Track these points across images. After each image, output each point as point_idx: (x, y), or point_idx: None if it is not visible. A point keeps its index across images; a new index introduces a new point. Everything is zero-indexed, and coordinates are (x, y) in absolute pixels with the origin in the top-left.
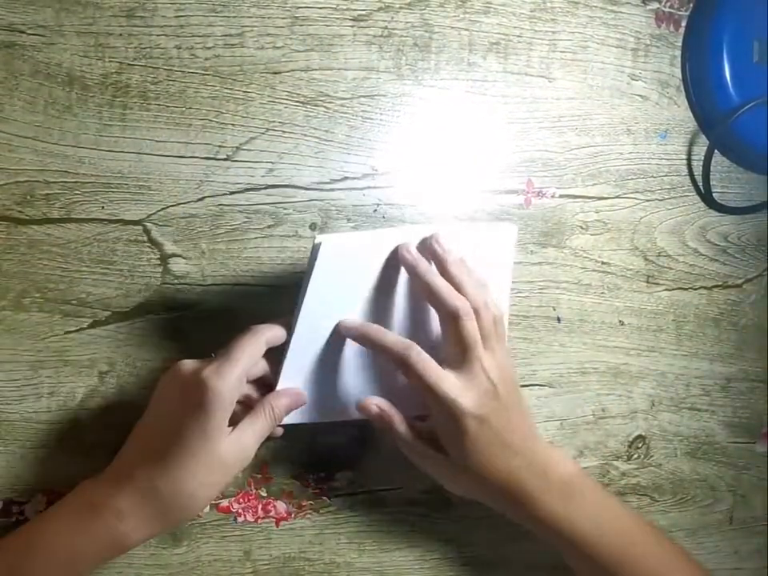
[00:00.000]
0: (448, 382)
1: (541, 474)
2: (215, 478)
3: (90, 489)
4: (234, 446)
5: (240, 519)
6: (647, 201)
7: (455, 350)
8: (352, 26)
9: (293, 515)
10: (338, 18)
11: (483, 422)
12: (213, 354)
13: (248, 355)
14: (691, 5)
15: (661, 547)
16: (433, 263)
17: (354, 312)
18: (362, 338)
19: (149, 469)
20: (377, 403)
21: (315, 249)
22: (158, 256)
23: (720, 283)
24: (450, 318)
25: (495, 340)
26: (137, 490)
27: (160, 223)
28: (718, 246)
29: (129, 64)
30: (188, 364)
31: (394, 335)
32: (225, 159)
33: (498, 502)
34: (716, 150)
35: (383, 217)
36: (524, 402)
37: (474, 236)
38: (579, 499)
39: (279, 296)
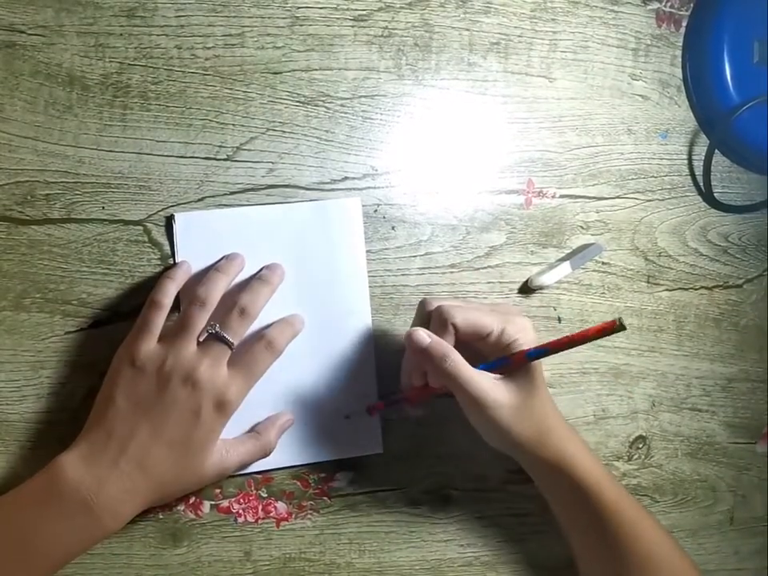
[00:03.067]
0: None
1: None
2: (190, 487)
3: (64, 466)
4: (216, 466)
5: (240, 520)
6: (648, 201)
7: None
8: (352, 26)
9: (293, 516)
10: (338, 18)
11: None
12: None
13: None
14: (692, 5)
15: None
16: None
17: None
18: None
19: (132, 462)
20: (429, 334)
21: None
22: (159, 256)
23: (721, 283)
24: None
25: None
26: (117, 475)
27: (160, 223)
28: (719, 246)
29: (129, 64)
30: (189, 353)
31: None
32: (225, 159)
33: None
34: (716, 150)
35: (383, 217)
36: None
37: (319, 212)
38: (580, 443)
39: None
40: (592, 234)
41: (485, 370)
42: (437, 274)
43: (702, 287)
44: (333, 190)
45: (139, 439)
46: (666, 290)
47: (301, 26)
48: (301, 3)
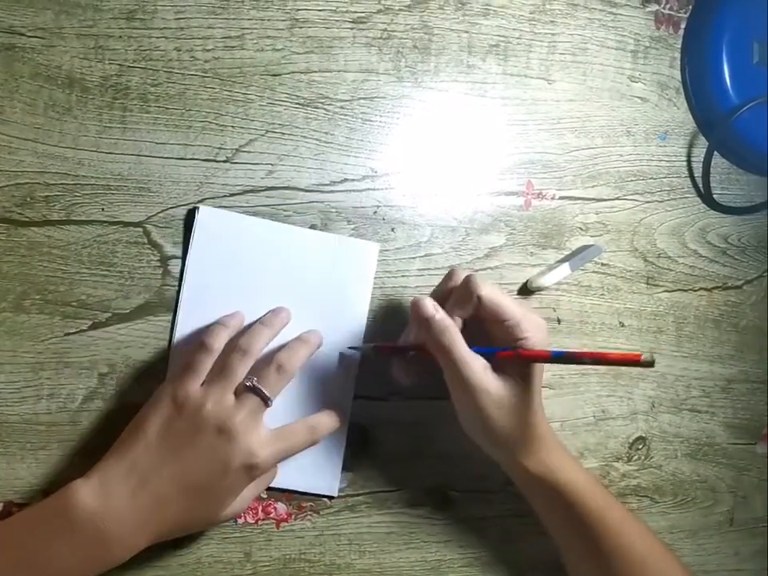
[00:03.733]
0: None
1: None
2: (198, 530)
3: (80, 493)
4: (227, 516)
5: (240, 521)
6: (647, 202)
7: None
8: (351, 29)
9: (293, 517)
10: (337, 21)
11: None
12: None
13: (299, 442)
14: (690, 7)
15: (637, 519)
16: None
17: (232, 292)
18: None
19: (150, 498)
20: (436, 306)
21: (194, 215)
22: (158, 258)
23: (720, 285)
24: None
25: None
26: (133, 508)
27: (160, 225)
28: (718, 247)
29: (129, 66)
30: (228, 401)
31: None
32: (224, 161)
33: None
34: (715, 152)
35: (383, 218)
36: None
37: (337, 248)
38: (566, 454)
39: None
40: (591, 236)
41: (482, 352)
42: (436, 276)
43: (701, 288)
44: (332, 191)
45: (162, 477)
46: (666, 291)
47: (300, 28)
48: (300, 5)
